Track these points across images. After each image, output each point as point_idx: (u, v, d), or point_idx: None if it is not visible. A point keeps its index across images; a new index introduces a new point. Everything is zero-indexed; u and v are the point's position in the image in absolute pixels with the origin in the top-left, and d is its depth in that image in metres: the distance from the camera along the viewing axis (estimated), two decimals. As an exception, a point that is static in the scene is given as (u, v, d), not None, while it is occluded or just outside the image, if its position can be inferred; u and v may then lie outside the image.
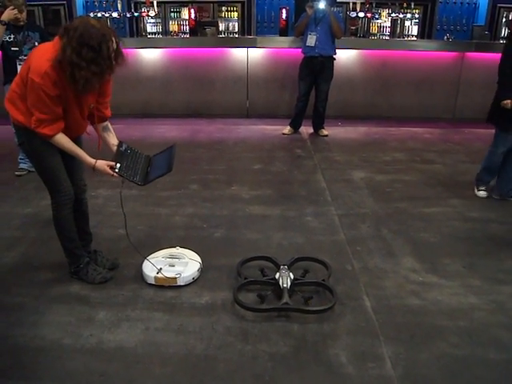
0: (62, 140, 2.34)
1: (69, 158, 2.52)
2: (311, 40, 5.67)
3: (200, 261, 2.78)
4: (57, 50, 2.13)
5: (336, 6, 8.67)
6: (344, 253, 3.05)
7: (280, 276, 2.55)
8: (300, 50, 5.92)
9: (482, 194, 4.08)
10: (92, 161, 2.39)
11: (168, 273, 2.62)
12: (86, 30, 2.07)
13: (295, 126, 6.16)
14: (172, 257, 2.78)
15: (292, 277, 2.56)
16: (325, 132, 6.09)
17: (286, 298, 2.41)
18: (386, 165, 4.90)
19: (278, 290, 2.51)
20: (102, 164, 2.41)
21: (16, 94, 2.32)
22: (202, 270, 2.75)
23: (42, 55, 2.17)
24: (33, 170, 3.99)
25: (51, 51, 2.15)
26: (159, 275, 2.62)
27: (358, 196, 4.04)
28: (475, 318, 2.42)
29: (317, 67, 5.75)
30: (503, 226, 3.52)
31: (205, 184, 4.26)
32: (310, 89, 5.96)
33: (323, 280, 2.61)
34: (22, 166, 4.47)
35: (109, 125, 2.60)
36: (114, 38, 2.16)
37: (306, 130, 6.25)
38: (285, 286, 2.49)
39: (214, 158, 5.08)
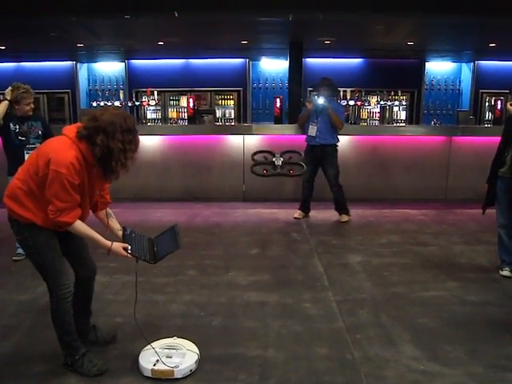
0: (80, 225, 2.44)
1: (76, 246, 2.65)
2: (312, 130, 5.96)
3: (198, 352, 2.73)
4: (80, 147, 2.32)
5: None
6: (343, 341, 3.01)
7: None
8: (291, 136, 6.23)
9: (505, 273, 4.10)
10: (108, 243, 2.48)
11: (165, 365, 2.57)
12: (119, 118, 2.32)
13: (304, 209, 6.26)
14: (169, 347, 2.74)
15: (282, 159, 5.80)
16: (345, 218, 6.04)
17: (278, 169, 5.31)
18: (381, 248, 4.94)
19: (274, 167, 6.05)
20: (117, 246, 2.50)
21: (21, 190, 2.40)
22: (199, 362, 2.70)
23: (61, 148, 2.33)
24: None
25: (69, 144, 2.33)
26: (156, 367, 2.56)
27: (356, 281, 4.04)
28: (480, 410, 2.36)
29: (318, 154, 6.00)
30: (501, 308, 3.51)
31: (202, 270, 4.27)
32: (314, 174, 6.14)
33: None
34: (19, 250, 4.46)
35: (110, 211, 2.72)
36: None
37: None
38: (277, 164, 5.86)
39: (212, 242, 5.12)
